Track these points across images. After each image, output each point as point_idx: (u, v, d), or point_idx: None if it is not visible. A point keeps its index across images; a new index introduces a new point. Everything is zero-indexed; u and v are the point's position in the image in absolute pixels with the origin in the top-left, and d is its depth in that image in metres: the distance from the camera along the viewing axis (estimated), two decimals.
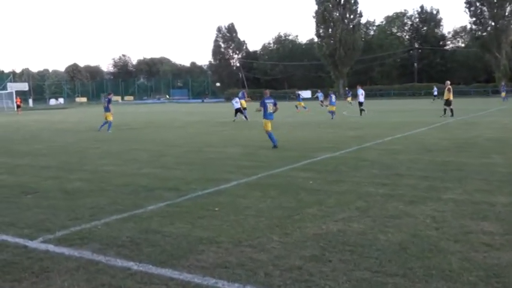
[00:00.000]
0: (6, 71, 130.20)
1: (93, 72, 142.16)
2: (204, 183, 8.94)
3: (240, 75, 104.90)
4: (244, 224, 6.12)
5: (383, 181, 8.65)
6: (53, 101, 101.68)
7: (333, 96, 28.89)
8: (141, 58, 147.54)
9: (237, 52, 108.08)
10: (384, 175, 9.25)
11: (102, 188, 8.77)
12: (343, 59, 79.95)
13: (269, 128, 14.49)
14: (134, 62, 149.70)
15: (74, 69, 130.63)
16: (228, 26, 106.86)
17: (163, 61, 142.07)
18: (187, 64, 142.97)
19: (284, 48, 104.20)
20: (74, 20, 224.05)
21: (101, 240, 5.60)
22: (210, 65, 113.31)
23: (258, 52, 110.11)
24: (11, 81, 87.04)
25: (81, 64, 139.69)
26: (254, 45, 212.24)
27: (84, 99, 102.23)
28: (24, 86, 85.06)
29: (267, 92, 15.50)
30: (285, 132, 19.49)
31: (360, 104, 29.81)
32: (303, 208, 6.86)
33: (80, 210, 7.08)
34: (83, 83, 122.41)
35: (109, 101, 23.18)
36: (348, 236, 5.53)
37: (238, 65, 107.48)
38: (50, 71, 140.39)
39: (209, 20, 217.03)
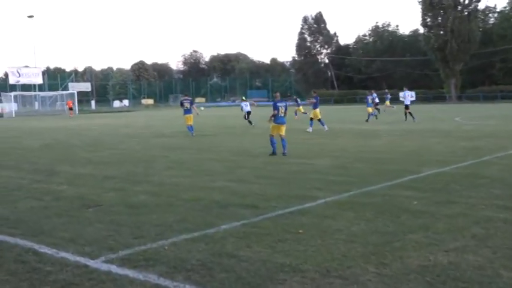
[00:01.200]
0: (67, 69, 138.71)
1: (161, 71, 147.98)
2: (286, 200, 8.98)
3: (329, 74, 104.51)
4: (334, 251, 6.08)
5: (506, 203, 8.29)
6: (116, 103, 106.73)
7: (370, 98, 32.64)
8: (215, 54, 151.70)
9: (326, 46, 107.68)
10: (508, 196, 8.87)
11: (170, 203, 9.05)
12: (456, 53, 77.28)
13: (274, 133, 15.90)
14: (207, 58, 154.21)
15: (140, 68, 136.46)
16: (316, 16, 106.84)
17: (239, 57, 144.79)
18: (267, 61, 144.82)
19: (382, 41, 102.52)
20: (141, 13, 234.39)
21: (168, 263, 5.76)
22: (294, 61, 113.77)
23: (351, 46, 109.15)
24: (72, 81, 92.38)
25: (148, 62, 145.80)
26: (346, 38, 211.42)
27: (150, 101, 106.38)
28: (86, 87, 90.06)
29: (278, 95, 17.00)
30: (385, 142, 19.19)
31: (407, 107, 31.86)
32: (405, 234, 6.70)
33: (145, 228, 7.34)
34: (149, 82, 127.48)
35: (191, 103, 25.11)
36: (462, 270, 5.33)
37: (326, 61, 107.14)
38: (114, 69, 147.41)
39: (293, 10, 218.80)
